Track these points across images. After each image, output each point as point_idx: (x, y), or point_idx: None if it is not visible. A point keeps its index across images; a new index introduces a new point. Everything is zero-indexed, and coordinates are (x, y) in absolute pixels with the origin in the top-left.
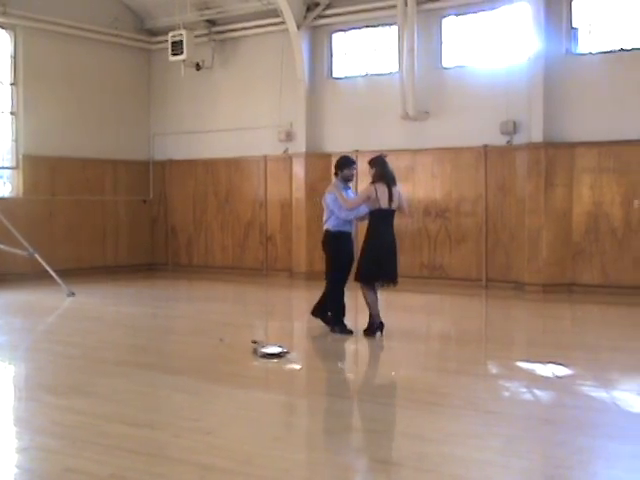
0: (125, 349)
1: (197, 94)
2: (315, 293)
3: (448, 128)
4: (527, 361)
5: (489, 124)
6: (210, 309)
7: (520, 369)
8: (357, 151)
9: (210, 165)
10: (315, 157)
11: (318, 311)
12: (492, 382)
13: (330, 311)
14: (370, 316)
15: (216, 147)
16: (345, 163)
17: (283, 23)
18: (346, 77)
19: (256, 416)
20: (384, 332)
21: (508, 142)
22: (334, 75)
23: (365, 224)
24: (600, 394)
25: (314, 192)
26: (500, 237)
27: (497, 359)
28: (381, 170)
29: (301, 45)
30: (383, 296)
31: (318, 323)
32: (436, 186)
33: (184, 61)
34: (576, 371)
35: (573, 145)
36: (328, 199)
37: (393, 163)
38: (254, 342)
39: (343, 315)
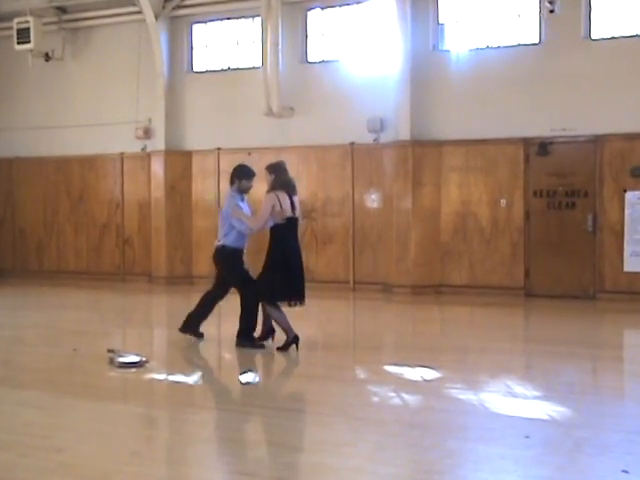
0: None
1: (47, 87)
2: (177, 298)
3: (314, 125)
4: (395, 365)
5: (356, 121)
6: (63, 317)
7: (388, 373)
8: (219, 149)
9: (62, 163)
10: (175, 155)
11: (188, 326)
12: (360, 387)
13: (243, 324)
14: (285, 332)
15: (68, 144)
16: (245, 173)
17: (140, 12)
18: (207, 71)
19: (112, 430)
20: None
21: (375, 140)
22: (194, 69)
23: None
24: (468, 396)
25: (174, 191)
26: (367, 238)
27: (365, 364)
28: (282, 177)
29: (159, 36)
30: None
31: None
32: (301, 185)
33: (31, 51)
34: (444, 374)
35: (440, 143)
36: (225, 213)
37: (256, 162)
38: (110, 351)
39: (254, 329)
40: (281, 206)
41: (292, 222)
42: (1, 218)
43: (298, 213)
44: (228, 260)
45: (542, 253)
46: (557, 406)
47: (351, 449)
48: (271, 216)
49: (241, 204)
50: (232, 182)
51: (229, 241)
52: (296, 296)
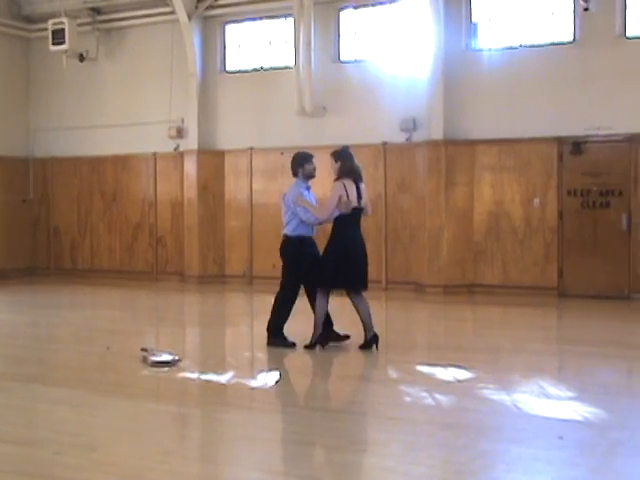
0: (1, 360)
1: (81, 87)
2: (209, 297)
3: (346, 124)
4: (428, 365)
5: (388, 121)
6: (96, 316)
7: (421, 373)
8: (252, 148)
9: (96, 163)
10: (208, 155)
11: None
12: (393, 387)
13: (271, 319)
14: (314, 327)
15: (102, 144)
16: (304, 158)
17: (173, 13)
18: (240, 71)
19: (145, 429)
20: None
21: (407, 139)
22: (227, 69)
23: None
24: (501, 397)
25: (206, 191)
26: (400, 237)
27: (398, 363)
28: (349, 164)
29: (192, 37)
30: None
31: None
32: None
33: (66, 51)
34: (477, 374)
35: (473, 143)
36: (289, 200)
37: (289, 161)
38: (143, 350)
39: (282, 326)
40: (348, 196)
41: (357, 213)
42: (36, 217)
43: (364, 202)
44: (290, 250)
45: (576, 253)
46: (591, 407)
47: (383, 449)
48: (337, 207)
49: (306, 193)
50: (295, 173)
51: (290, 230)
52: (355, 284)
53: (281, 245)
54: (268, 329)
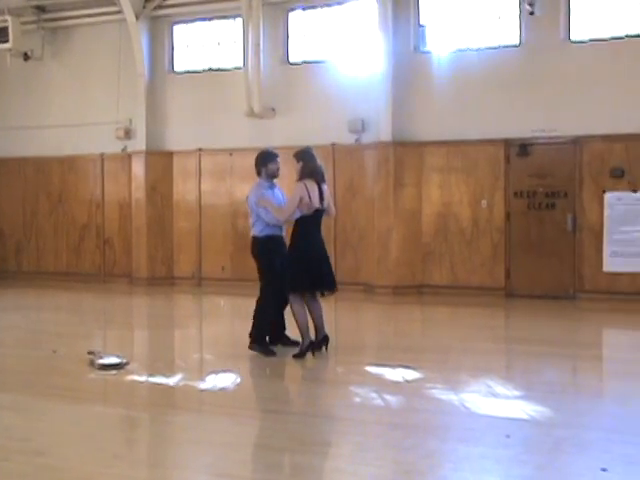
0: None
1: (26, 86)
2: (158, 299)
3: (295, 126)
4: (377, 365)
5: (337, 122)
6: (42, 319)
7: (370, 374)
8: (200, 149)
9: (41, 164)
10: (156, 156)
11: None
12: (342, 388)
13: (253, 326)
14: (301, 335)
15: (48, 145)
16: (268, 157)
17: (120, 12)
18: (188, 71)
19: (93, 433)
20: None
21: (356, 141)
22: (176, 69)
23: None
24: (449, 396)
25: (155, 192)
26: (349, 238)
27: (347, 364)
28: (311, 165)
29: (140, 37)
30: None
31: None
32: (283, 186)
33: (10, 50)
34: (425, 374)
35: (422, 144)
36: (252, 201)
37: (237, 162)
38: (91, 353)
39: (268, 333)
40: (310, 197)
41: (318, 214)
42: None
43: (326, 203)
44: (261, 251)
45: (522, 253)
46: (537, 405)
47: (333, 450)
48: (299, 208)
49: (270, 193)
50: (259, 172)
51: (257, 231)
52: (328, 285)
53: (251, 247)
54: (250, 335)
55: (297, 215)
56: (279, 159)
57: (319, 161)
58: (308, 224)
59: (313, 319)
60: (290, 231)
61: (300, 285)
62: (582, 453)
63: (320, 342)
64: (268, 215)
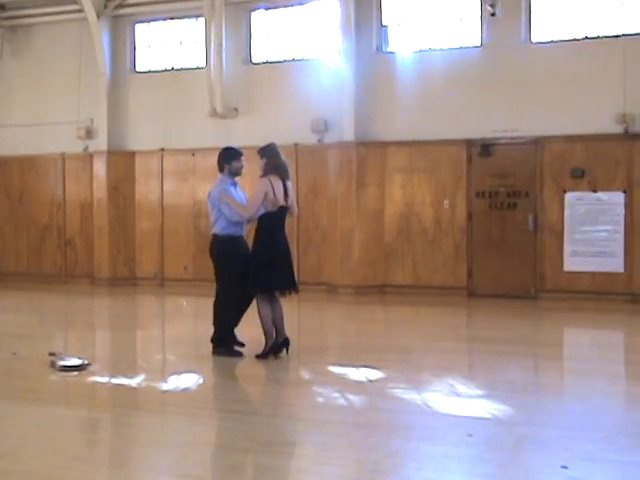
0: None
1: None
2: (120, 299)
3: (258, 126)
4: (340, 365)
5: (300, 122)
6: (2, 320)
7: (333, 374)
8: (163, 149)
9: (1, 163)
10: (118, 155)
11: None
12: (305, 388)
13: (216, 329)
14: (265, 336)
15: (7, 144)
16: (233, 155)
17: (81, 11)
18: (150, 71)
19: (54, 434)
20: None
21: (319, 141)
22: (137, 69)
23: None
24: (412, 396)
25: (116, 192)
26: (312, 238)
27: (309, 364)
28: (275, 161)
29: (101, 36)
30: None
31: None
32: (245, 186)
33: None
34: (388, 374)
35: (384, 144)
36: (214, 197)
37: (200, 162)
38: (52, 354)
39: (230, 334)
40: (274, 194)
41: (282, 211)
42: None
43: (291, 200)
44: (220, 250)
45: (484, 253)
46: (499, 404)
47: (296, 450)
48: (263, 204)
49: (233, 190)
50: (221, 169)
51: (219, 229)
52: (289, 284)
53: (210, 245)
54: (212, 340)
55: (261, 212)
56: (243, 158)
57: (283, 157)
58: (272, 221)
59: (274, 320)
60: (252, 230)
61: (267, 285)
62: (543, 450)
63: (281, 345)
64: (231, 211)
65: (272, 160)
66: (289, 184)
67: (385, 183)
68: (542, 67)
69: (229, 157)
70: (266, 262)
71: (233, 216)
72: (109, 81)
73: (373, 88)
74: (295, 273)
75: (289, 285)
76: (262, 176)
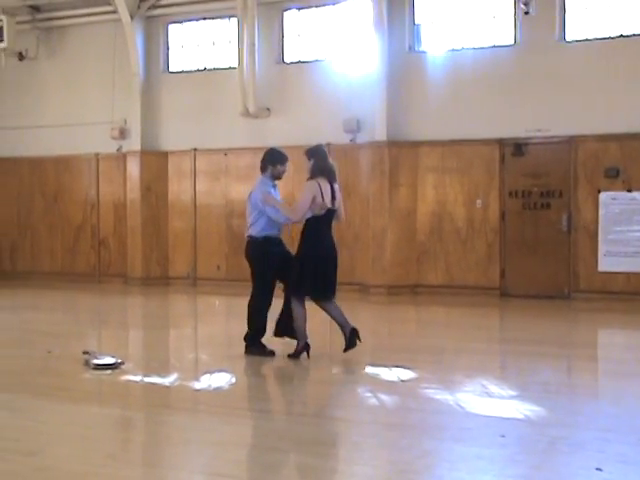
0: None
1: (21, 86)
2: (153, 299)
3: (290, 126)
4: (372, 365)
5: (332, 122)
6: (37, 319)
7: (365, 374)
8: (195, 149)
9: (36, 163)
10: (151, 156)
11: (282, 329)
12: (338, 388)
13: (249, 328)
14: (297, 335)
15: (43, 144)
16: (280, 158)
17: (115, 12)
18: (183, 71)
19: (87, 432)
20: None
21: (351, 140)
22: (171, 69)
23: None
24: (444, 396)
25: (149, 192)
26: (344, 238)
27: (342, 364)
28: (322, 163)
29: (135, 36)
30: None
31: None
32: (278, 185)
33: (4, 50)
34: (421, 374)
35: (417, 144)
36: (256, 199)
37: (232, 162)
38: (86, 353)
39: (262, 334)
40: (322, 197)
41: (330, 214)
42: None
43: (338, 203)
44: (256, 253)
45: (517, 253)
46: (532, 405)
47: (328, 449)
48: (310, 208)
49: (273, 192)
50: (264, 169)
51: (256, 231)
52: (331, 292)
53: (246, 247)
54: (245, 338)
55: (308, 215)
56: (289, 163)
57: (331, 159)
58: (320, 225)
59: (335, 320)
60: (293, 230)
61: (304, 291)
62: (577, 453)
63: (351, 336)
64: (277, 214)
65: (320, 162)
66: (336, 187)
67: (417, 183)
68: (576, 66)
69: (275, 159)
70: (313, 269)
71: (279, 218)
72: (142, 81)
73: (405, 87)
74: (336, 281)
75: (329, 291)
76: (310, 178)
